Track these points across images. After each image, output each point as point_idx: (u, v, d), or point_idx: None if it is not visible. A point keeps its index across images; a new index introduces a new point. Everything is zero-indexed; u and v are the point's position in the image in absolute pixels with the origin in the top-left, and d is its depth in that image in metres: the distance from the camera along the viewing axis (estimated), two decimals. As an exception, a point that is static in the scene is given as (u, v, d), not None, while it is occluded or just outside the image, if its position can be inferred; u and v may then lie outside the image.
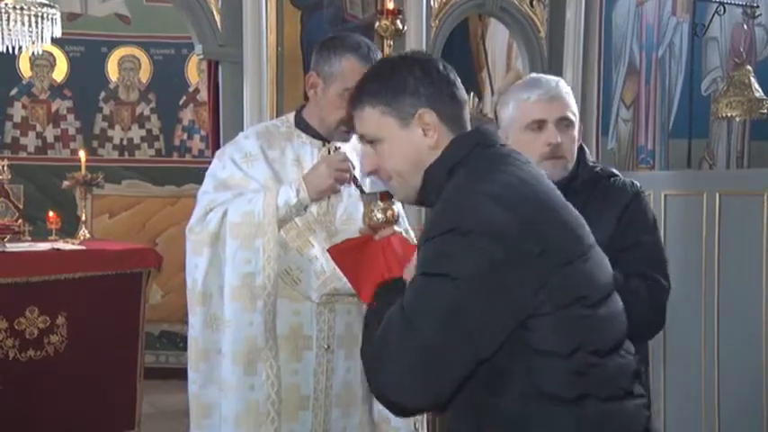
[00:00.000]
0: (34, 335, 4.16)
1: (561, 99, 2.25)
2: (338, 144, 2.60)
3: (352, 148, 2.62)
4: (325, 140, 2.58)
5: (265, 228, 2.40)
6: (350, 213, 2.58)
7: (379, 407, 2.56)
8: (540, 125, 2.23)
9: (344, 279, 2.39)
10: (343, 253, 2.34)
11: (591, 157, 2.39)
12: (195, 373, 2.57)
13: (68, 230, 5.09)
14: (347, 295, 2.50)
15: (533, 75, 2.42)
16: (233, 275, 2.43)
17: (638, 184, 2.36)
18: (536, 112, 2.24)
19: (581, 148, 2.35)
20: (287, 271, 2.47)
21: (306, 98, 2.61)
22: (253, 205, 2.42)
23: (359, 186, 2.47)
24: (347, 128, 2.49)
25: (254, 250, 2.41)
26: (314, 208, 2.52)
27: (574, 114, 2.27)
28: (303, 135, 2.58)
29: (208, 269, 2.49)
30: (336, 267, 2.38)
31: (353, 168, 2.45)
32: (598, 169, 2.34)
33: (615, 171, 2.38)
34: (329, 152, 2.58)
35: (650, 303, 2.22)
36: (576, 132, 2.28)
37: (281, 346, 2.48)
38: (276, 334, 2.46)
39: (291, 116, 2.65)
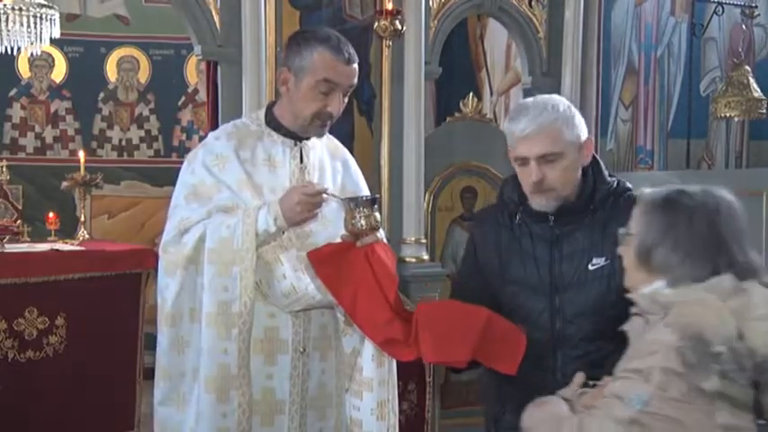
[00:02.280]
0: (33, 335, 4.15)
1: (541, 134, 2.15)
2: (309, 143, 2.54)
3: (323, 146, 2.59)
4: (296, 139, 2.52)
5: (243, 255, 2.35)
6: (320, 233, 2.48)
7: (351, 410, 2.55)
8: (523, 161, 2.19)
9: (318, 297, 2.38)
10: (323, 258, 2.32)
11: (606, 170, 2.32)
12: (156, 388, 2.53)
13: (67, 231, 5.09)
14: (321, 308, 2.48)
15: (526, 100, 2.29)
16: (210, 302, 2.38)
17: None
18: (518, 148, 2.18)
19: (596, 163, 2.28)
20: (257, 283, 2.41)
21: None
22: (231, 231, 2.36)
23: (337, 197, 2.41)
24: (322, 121, 2.47)
25: (231, 277, 2.36)
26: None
27: (561, 144, 2.16)
28: (274, 134, 2.52)
29: (179, 291, 2.43)
30: (309, 285, 2.37)
31: (327, 193, 2.38)
32: (615, 184, 2.29)
33: (629, 185, 2.33)
34: (301, 159, 2.53)
35: None
36: (567, 160, 2.18)
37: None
38: (249, 361, 2.41)
39: (262, 113, 2.58)
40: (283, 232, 2.41)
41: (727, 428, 1.62)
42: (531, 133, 2.15)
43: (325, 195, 2.37)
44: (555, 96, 2.29)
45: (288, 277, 2.39)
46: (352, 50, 2.45)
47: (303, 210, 2.35)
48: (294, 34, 2.54)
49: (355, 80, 2.48)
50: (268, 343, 2.45)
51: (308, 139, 2.54)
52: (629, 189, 2.30)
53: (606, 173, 2.30)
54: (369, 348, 2.49)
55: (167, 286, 2.46)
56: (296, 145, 2.53)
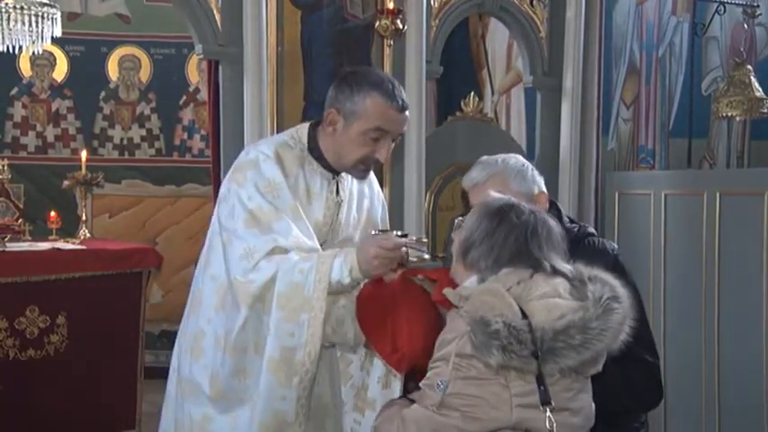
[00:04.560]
0: (34, 334, 4.16)
1: (488, 183, 2.34)
2: (344, 174, 2.50)
3: (356, 187, 2.57)
4: (334, 172, 2.48)
5: (313, 303, 2.27)
6: None
7: (352, 423, 2.55)
8: None
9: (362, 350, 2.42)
10: (368, 301, 2.29)
11: (568, 215, 2.45)
12: (215, 404, 2.44)
13: (68, 230, 5.09)
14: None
15: (484, 157, 2.47)
16: (274, 347, 2.30)
17: (616, 247, 2.42)
18: (471, 197, 2.39)
19: (556, 208, 2.40)
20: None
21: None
22: (303, 277, 2.27)
23: (415, 247, 2.38)
24: (366, 166, 2.43)
25: (298, 324, 2.28)
26: None
27: (507, 194, 2.24)
28: (314, 163, 2.46)
29: (243, 325, 2.35)
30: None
31: (407, 245, 2.31)
32: (576, 230, 2.38)
33: (591, 230, 2.44)
34: (337, 192, 2.49)
35: (649, 386, 2.32)
36: None
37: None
38: (309, 409, 2.36)
39: (304, 135, 2.49)
40: (359, 284, 2.33)
41: (521, 395, 1.81)
42: (480, 182, 2.35)
43: (404, 249, 2.30)
44: (511, 155, 2.47)
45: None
46: (404, 96, 2.40)
47: (381, 264, 2.26)
48: (345, 75, 2.44)
49: (405, 128, 2.44)
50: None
51: None
52: (589, 234, 2.41)
53: (567, 219, 2.42)
54: (377, 370, 2.50)
55: (232, 317, 2.38)
56: (333, 178, 2.49)
